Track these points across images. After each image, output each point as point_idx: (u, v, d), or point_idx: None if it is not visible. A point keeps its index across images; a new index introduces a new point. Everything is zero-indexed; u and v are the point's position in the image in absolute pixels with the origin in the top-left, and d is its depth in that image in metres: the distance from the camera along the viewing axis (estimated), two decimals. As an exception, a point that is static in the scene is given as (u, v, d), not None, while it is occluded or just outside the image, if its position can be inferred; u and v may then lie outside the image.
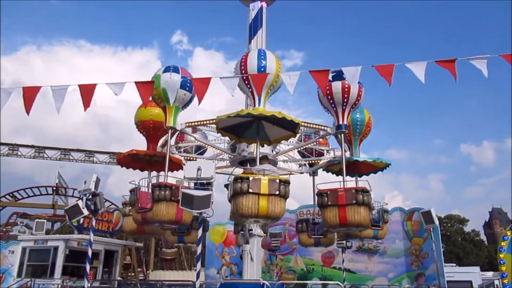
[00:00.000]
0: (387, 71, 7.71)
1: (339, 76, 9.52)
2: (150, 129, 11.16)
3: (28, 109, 7.72)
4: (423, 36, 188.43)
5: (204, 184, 8.17)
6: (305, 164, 13.86)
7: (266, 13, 13.27)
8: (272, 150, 11.71)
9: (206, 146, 13.31)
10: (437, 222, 13.54)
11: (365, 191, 8.91)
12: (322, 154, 13.34)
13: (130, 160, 11.49)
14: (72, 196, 34.92)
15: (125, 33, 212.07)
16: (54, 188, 35.82)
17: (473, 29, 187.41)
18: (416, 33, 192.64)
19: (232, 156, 11.91)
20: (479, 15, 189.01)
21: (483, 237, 72.69)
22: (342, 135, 10.28)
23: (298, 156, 13.93)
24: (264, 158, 9.84)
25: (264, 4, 13.18)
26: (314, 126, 11.13)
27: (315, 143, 12.94)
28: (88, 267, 9.96)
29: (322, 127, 10.95)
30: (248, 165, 11.53)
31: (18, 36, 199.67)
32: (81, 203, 10.15)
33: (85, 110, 7.83)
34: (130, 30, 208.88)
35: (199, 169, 8.15)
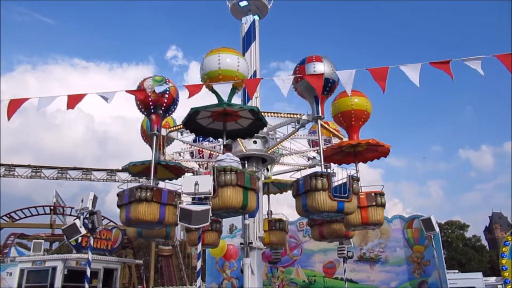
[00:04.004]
0: (382, 75, 7.75)
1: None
2: (352, 119, 10.60)
3: (9, 116, 8.11)
4: (417, 46, 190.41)
5: (202, 199, 8.11)
6: (314, 157, 13.55)
7: (259, 26, 13.37)
8: (264, 146, 11.61)
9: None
10: (437, 229, 13.52)
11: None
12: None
13: (334, 154, 10.87)
14: (70, 215, 34.67)
15: (120, 50, 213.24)
16: (52, 208, 35.57)
17: (466, 35, 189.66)
18: (410, 43, 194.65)
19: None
20: (472, 19, 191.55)
21: (484, 242, 72.47)
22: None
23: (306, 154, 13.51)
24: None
25: (256, 17, 13.28)
26: (289, 115, 10.90)
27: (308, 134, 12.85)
28: (87, 286, 9.84)
29: (296, 115, 10.63)
30: (246, 164, 11.51)
31: (13, 56, 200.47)
32: (78, 222, 10.08)
33: (67, 108, 8.15)
34: (125, 46, 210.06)
35: (196, 183, 8.08)
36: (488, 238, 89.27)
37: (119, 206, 8.99)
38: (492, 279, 28.30)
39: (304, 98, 10.10)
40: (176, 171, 10.64)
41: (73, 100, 8.21)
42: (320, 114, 9.68)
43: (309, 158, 13.60)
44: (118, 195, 9.11)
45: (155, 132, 9.70)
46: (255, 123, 9.43)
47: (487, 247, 70.39)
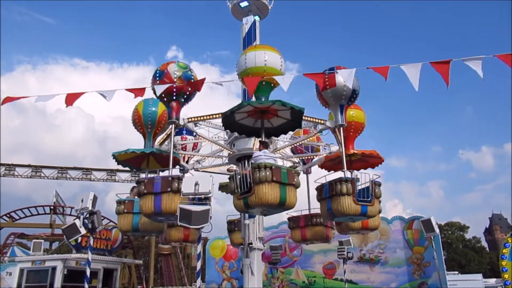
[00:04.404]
0: (383, 72, 7.78)
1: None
2: (351, 130, 10.93)
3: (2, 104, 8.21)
4: (417, 46, 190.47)
5: (202, 199, 8.10)
6: (299, 162, 13.51)
7: (259, 26, 13.36)
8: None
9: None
10: (437, 230, 13.50)
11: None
12: (317, 151, 13.08)
13: (328, 161, 11.11)
14: (70, 214, 34.68)
15: (120, 50, 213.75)
16: (52, 207, 35.55)
17: (466, 35, 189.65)
18: (410, 43, 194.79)
19: (231, 152, 11.58)
20: (472, 19, 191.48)
21: (484, 243, 72.41)
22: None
23: (290, 154, 13.53)
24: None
25: (257, 17, 13.26)
26: (312, 120, 10.99)
27: (309, 139, 12.79)
28: (86, 286, 9.83)
29: (321, 121, 10.68)
30: (246, 162, 11.37)
31: (13, 56, 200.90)
32: (78, 222, 10.09)
33: (65, 103, 8.11)
34: (125, 46, 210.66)
35: (196, 183, 8.08)
36: (488, 240, 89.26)
37: (142, 195, 8.46)
38: (492, 281, 28.21)
39: (327, 106, 10.13)
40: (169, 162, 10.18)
41: (72, 98, 8.15)
42: (344, 123, 9.82)
43: (293, 163, 13.58)
44: (140, 182, 8.59)
45: (174, 120, 9.37)
46: (289, 124, 9.26)
47: (487, 249, 70.37)
